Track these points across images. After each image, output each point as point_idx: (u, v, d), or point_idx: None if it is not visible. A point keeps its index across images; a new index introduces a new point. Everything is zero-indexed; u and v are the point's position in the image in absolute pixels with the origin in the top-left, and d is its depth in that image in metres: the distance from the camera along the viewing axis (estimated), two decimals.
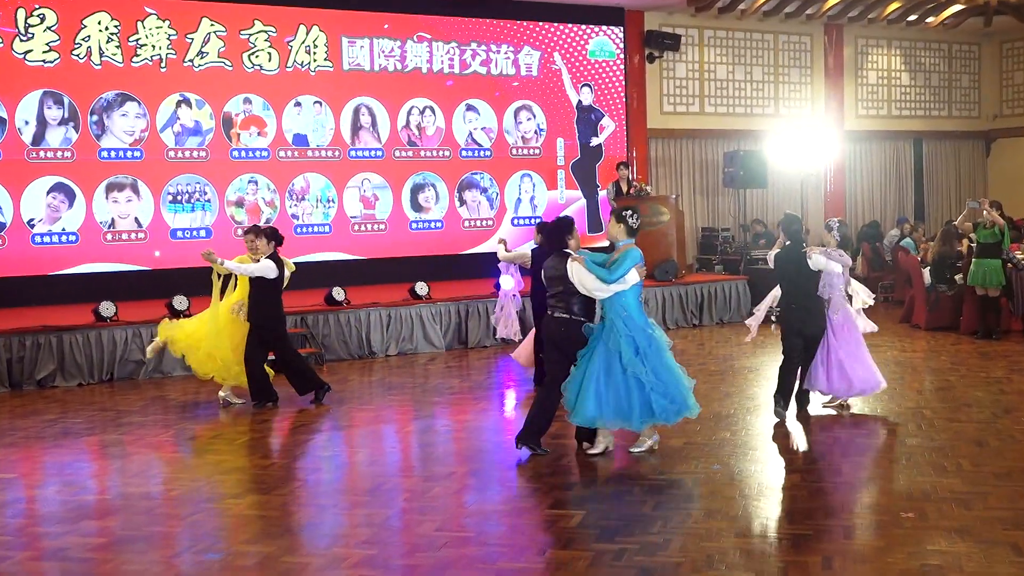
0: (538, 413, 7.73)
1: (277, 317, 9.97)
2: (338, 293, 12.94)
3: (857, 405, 9.15)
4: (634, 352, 7.39)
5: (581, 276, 7.44)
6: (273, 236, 9.91)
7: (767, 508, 6.45)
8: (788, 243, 8.99)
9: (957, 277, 13.71)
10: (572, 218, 8.11)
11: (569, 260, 7.55)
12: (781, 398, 8.90)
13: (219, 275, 10.04)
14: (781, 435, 8.39)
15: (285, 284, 10.04)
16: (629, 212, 7.69)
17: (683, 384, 7.53)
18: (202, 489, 7.26)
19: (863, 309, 9.25)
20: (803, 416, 8.91)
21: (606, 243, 16.00)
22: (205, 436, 9.10)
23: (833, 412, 9.03)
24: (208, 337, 9.97)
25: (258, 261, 9.74)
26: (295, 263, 10.43)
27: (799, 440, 8.26)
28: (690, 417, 7.63)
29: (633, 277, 7.44)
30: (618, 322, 7.44)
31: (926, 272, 14.16)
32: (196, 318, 10.38)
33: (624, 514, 6.36)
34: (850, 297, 9.20)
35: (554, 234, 7.95)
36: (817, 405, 9.18)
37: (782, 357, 8.98)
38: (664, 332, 7.70)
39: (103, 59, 13.79)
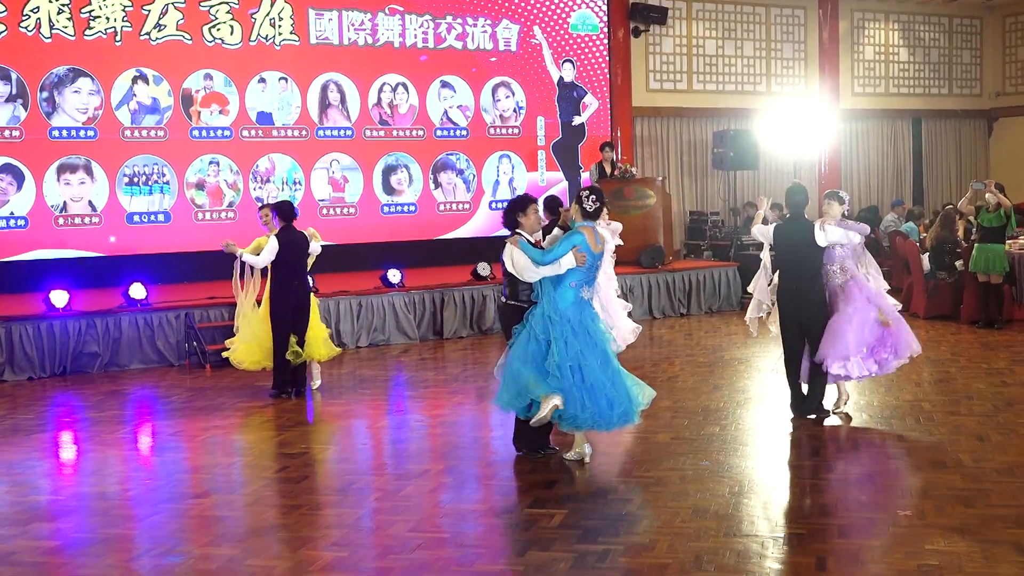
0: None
1: (279, 299, 9.94)
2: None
3: (853, 398, 9.13)
4: (561, 348, 7.15)
5: (513, 256, 7.26)
6: (280, 212, 10.06)
7: (758, 506, 6.48)
8: (787, 215, 8.76)
9: (958, 263, 13.77)
10: (528, 196, 7.71)
11: (507, 242, 7.41)
12: (795, 405, 8.72)
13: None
14: (773, 430, 8.42)
15: (311, 259, 10.30)
16: (587, 193, 7.38)
17: (611, 396, 7.18)
18: (162, 489, 7.23)
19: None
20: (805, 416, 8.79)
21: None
22: (164, 432, 9.06)
23: (839, 419, 8.72)
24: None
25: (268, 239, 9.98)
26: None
27: (792, 435, 8.30)
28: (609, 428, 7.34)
29: (569, 261, 7.15)
30: (548, 310, 7.22)
31: (925, 258, 14.23)
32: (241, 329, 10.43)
33: (608, 513, 6.38)
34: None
35: (506, 213, 7.67)
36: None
37: (782, 354, 8.83)
38: (613, 335, 7.36)
39: (53, 32, 13.67)
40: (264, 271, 10.15)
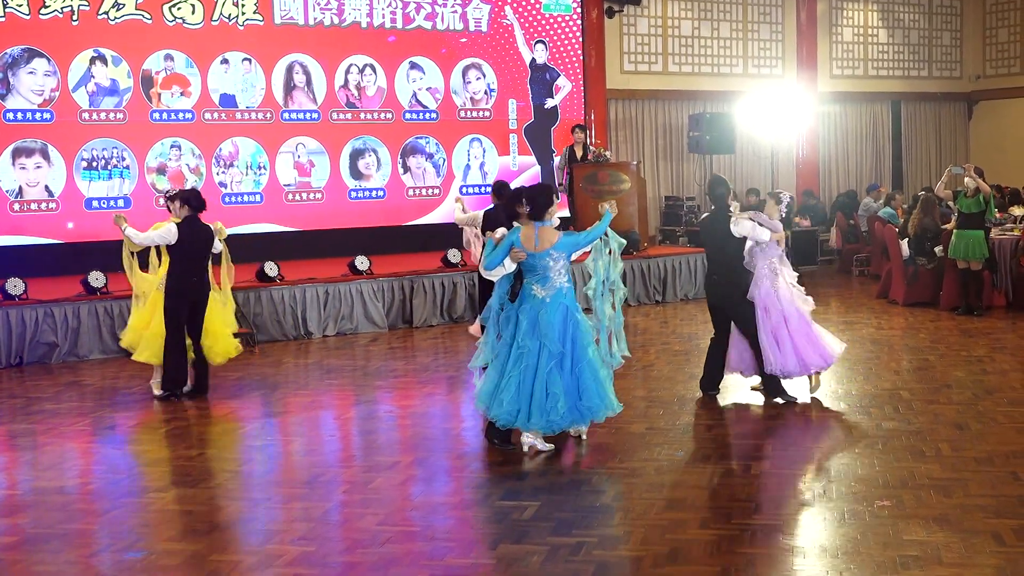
0: None
1: (173, 290, 9.46)
2: (271, 268, 12.83)
3: (831, 386, 9.24)
4: (492, 339, 7.62)
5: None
6: (187, 199, 9.53)
7: (734, 497, 6.51)
8: (712, 208, 9.14)
9: (937, 249, 13.85)
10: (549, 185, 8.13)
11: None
12: (703, 383, 9.20)
13: (131, 252, 9.70)
14: (749, 420, 8.48)
15: (216, 252, 9.78)
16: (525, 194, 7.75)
17: (532, 399, 7.29)
18: (122, 483, 7.21)
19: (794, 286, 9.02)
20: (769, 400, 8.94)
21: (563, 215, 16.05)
22: (125, 425, 9.01)
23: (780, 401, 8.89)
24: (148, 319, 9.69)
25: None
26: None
27: (769, 425, 8.36)
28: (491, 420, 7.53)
29: (510, 264, 7.45)
30: (494, 303, 7.65)
31: (904, 244, 14.30)
32: (135, 312, 9.91)
33: (581, 505, 6.40)
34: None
35: (507, 203, 8.15)
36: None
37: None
38: (523, 346, 7.39)
39: (7, 10, 13.51)
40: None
